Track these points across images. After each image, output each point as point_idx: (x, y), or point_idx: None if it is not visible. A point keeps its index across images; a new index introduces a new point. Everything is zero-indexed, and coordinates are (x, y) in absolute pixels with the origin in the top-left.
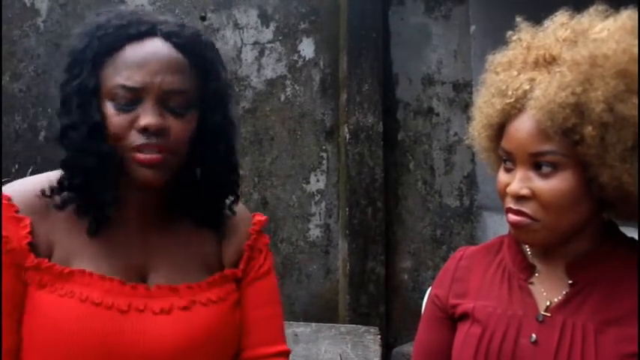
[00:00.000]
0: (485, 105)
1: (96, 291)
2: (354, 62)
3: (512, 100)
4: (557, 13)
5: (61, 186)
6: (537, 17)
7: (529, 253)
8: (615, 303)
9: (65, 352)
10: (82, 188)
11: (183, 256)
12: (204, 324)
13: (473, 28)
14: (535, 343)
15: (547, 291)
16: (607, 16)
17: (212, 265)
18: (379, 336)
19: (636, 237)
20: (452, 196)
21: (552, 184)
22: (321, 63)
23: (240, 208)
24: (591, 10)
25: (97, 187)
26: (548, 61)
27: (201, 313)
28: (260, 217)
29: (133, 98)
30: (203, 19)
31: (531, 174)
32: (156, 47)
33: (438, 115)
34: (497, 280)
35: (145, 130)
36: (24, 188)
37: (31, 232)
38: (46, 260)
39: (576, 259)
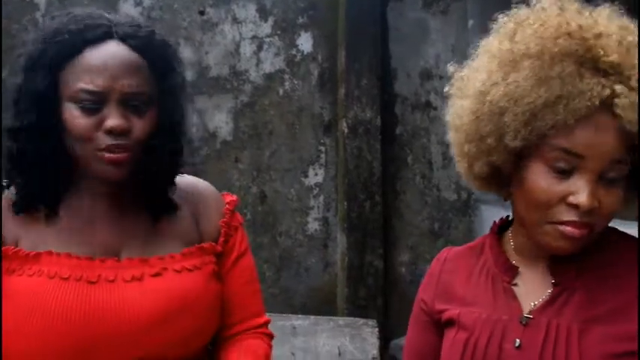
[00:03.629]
0: (529, 93)
1: (64, 267)
2: (352, 57)
3: (587, 104)
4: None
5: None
6: None
7: (512, 254)
8: (600, 301)
9: (40, 329)
10: (23, 187)
11: (157, 233)
12: (176, 290)
13: (471, 22)
14: (519, 347)
15: (531, 292)
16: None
17: (190, 241)
18: (377, 329)
19: (635, 234)
20: (450, 189)
21: (616, 194)
22: (320, 57)
23: (209, 187)
24: (603, 8)
25: (38, 186)
26: (614, 68)
27: (173, 279)
28: (232, 197)
29: (96, 101)
30: (202, 13)
31: (597, 184)
32: (114, 51)
33: (436, 109)
34: (481, 284)
35: (110, 132)
36: None
37: None
38: (12, 247)
39: (558, 258)
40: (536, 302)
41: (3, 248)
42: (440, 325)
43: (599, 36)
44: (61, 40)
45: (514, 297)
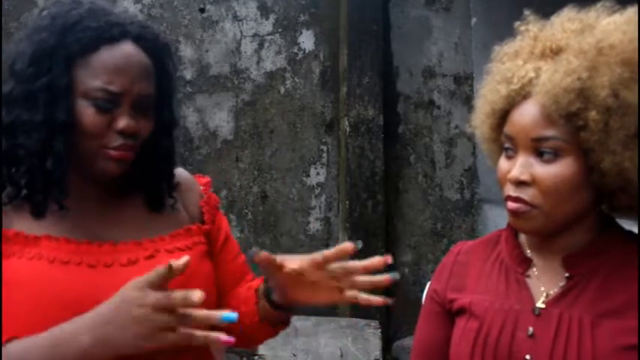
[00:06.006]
0: (489, 92)
1: (63, 252)
2: (354, 55)
3: (517, 86)
4: (564, 9)
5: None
6: (537, 9)
7: (526, 246)
8: (612, 295)
9: (39, 313)
10: (24, 184)
11: (147, 218)
12: None
13: (474, 20)
14: (532, 336)
15: (544, 284)
16: (613, 12)
17: (177, 224)
18: (379, 330)
19: (634, 230)
20: (452, 189)
21: (553, 170)
22: (321, 55)
23: (184, 172)
24: (598, 5)
25: (42, 183)
26: (555, 52)
27: (166, 259)
28: (206, 179)
29: (112, 100)
30: (202, 10)
31: (532, 160)
32: (131, 52)
33: (438, 107)
34: (494, 274)
35: (122, 132)
36: None
37: None
38: (14, 230)
39: (573, 252)
40: (549, 294)
41: (3, 230)
42: (451, 314)
43: (549, 28)
44: (78, 36)
45: (526, 288)
